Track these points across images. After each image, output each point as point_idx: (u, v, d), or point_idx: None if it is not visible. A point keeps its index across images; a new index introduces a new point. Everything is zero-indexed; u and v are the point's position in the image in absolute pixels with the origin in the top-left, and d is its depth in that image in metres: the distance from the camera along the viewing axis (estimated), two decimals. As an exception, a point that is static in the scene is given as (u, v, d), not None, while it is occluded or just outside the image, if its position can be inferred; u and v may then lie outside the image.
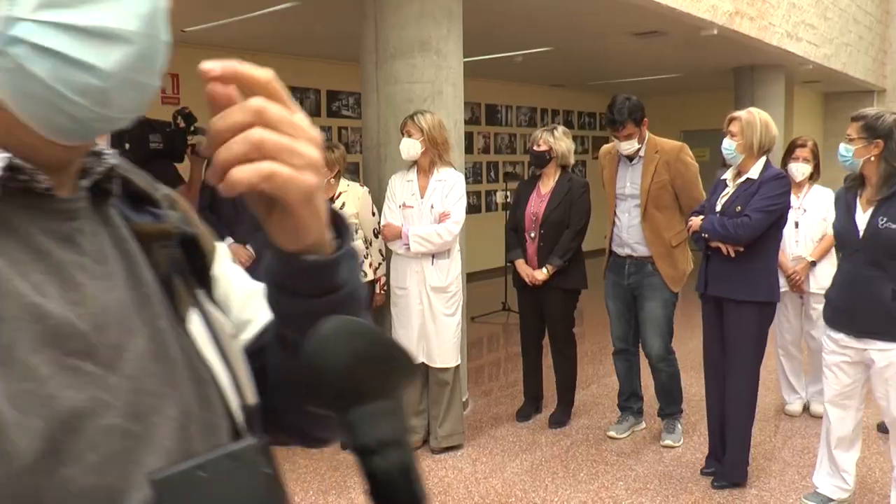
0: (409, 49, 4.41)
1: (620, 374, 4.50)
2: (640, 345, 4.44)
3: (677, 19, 6.33)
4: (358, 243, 4.30)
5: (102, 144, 0.67)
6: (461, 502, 3.57)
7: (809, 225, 4.60)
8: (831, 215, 4.64)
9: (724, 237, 3.53)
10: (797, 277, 4.57)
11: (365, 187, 4.39)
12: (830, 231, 4.58)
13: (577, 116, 12.49)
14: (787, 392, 4.83)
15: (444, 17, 4.47)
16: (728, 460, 3.74)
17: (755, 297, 3.57)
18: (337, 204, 4.29)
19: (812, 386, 4.75)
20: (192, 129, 4.31)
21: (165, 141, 4.13)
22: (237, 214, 4.08)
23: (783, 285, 4.57)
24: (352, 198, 4.32)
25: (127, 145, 3.87)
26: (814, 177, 4.63)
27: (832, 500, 3.41)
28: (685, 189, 4.13)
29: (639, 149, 4.18)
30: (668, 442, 4.30)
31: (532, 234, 4.47)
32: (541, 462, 4.05)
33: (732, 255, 3.54)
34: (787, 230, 4.55)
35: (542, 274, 4.39)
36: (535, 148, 4.51)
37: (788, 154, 4.59)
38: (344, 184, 4.36)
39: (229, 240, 4.09)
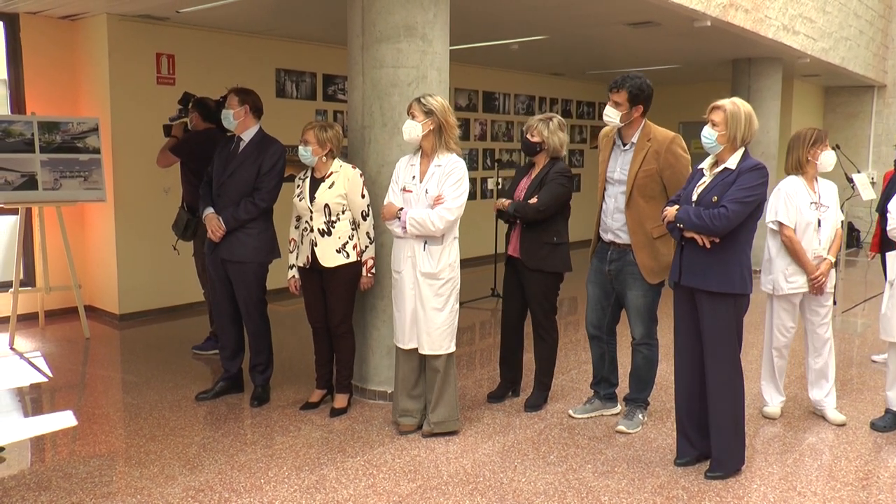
0: (395, 33, 4.43)
1: (594, 358, 4.55)
2: (614, 333, 4.47)
3: (670, 10, 6.33)
4: (344, 224, 4.36)
5: None
6: (430, 481, 3.62)
7: (830, 223, 4.39)
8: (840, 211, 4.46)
9: (700, 227, 3.49)
10: (822, 279, 4.33)
11: (357, 169, 4.40)
12: (839, 226, 4.44)
13: (576, 105, 12.48)
14: (772, 392, 4.64)
15: (431, 2, 4.48)
16: (719, 451, 3.70)
17: (730, 289, 3.55)
18: (327, 183, 4.34)
19: (818, 388, 4.57)
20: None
21: None
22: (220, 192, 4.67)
23: (803, 285, 4.36)
24: (342, 178, 4.34)
25: None
26: None
27: None
28: (674, 181, 4.04)
29: (632, 134, 4.14)
30: (621, 427, 4.31)
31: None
32: (513, 444, 4.11)
33: (708, 245, 3.52)
34: (810, 230, 4.33)
35: (502, 204, 4.46)
36: (528, 137, 4.51)
37: (818, 143, 4.33)
38: (336, 164, 4.39)
39: (210, 209, 4.67)
